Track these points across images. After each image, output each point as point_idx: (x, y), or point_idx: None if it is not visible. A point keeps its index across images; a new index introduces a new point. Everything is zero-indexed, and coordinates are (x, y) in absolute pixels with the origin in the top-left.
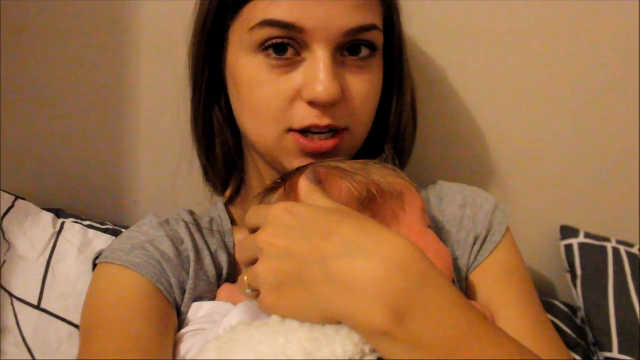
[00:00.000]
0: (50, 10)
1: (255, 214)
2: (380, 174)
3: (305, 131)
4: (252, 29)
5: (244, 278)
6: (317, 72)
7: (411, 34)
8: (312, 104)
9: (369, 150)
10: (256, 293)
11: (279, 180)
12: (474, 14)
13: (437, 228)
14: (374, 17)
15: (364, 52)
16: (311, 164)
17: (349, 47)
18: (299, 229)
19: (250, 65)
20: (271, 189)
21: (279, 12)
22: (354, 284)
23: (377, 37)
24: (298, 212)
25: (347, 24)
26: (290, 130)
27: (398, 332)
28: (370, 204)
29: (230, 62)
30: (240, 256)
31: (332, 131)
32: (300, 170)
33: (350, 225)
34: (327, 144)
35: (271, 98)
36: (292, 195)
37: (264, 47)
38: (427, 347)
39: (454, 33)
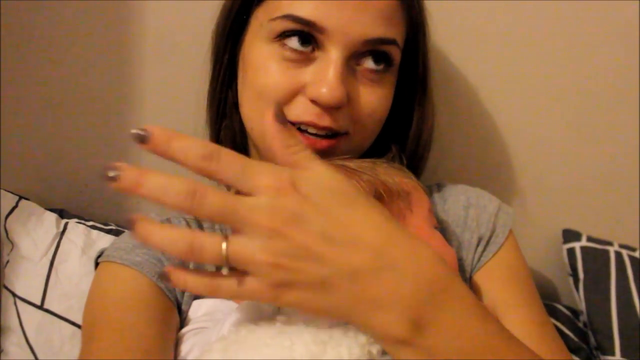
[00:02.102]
0: (51, 10)
1: (239, 166)
2: (388, 174)
3: (301, 129)
4: (274, 19)
5: (222, 246)
6: (326, 73)
7: None
8: (314, 102)
9: (376, 150)
10: (238, 273)
11: None
12: (476, 15)
13: (441, 228)
14: (396, 33)
15: (380, 65)
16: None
17: (366, 57)
18: (313, 220)
19: (262, 52)
20: None
21: (304, 10)
22: (381, 299)
23: (395, 53)
24: (307, 193)
25: (368, 32)
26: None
27: (416, 341)
28: None
29: (245, 47)
30: (201, 207)
31: (330, 135)
32: None
33: (375, 230)
34: (321, 143)
35: (274, 86)
36: None
37: (284, 35)
38: (444, 358)
39: (457, 34)
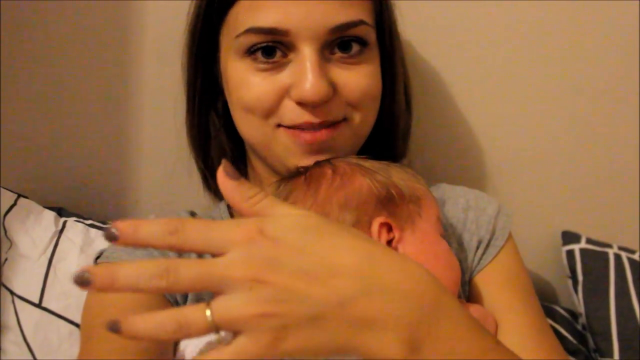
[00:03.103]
0: (51, 9)
1: (205, 230)
2: (401, 177)
3: (297, 128)
4: (238, 36)
5: (206, 313)
6: (304, 71)
7: (412, 36)
8: (301, 104)
9: (372, 149)
10: (229, 335)
11: (300, 170)
12: (474, 15)
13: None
14: (360, 13)
15: (355, 48)
16: (332, 158)
17: (338, 44)
18: (288, 260)
19: (237, 69)
20: (290, 177)
21: (261, 19)
22: (373, 322)
23: (366, 32)
24: (277, 236)
25: (331, 21)
26: (280, 125)
27: None
28: (388, 204)
29: (222, 65)
30: (177, 277)
31: (328, 124)
32: (319, 163)
33: (352, 253)
34: (321, 134)
35: (258, 98)
36: (312, 185)
37: (251, 51)
38: None
39: (455, 34)
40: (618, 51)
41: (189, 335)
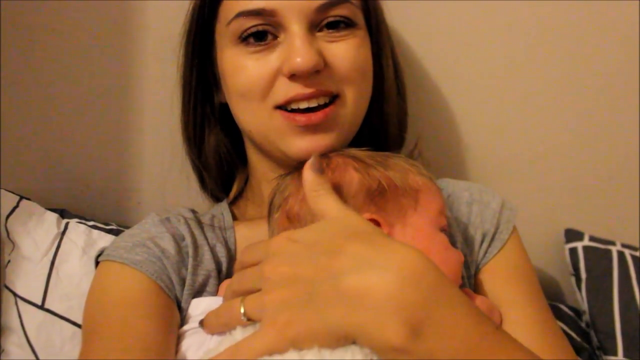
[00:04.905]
0: (52, 9)
1: (254, 248)
2: (399, 169)
3: (293, 109)
4: (229, 23)
5: (240, 308)
6: (293, 46)
7: (414, 34)
8: (293, 77)
9: (367, 137)
10: (253, 321)
11: (298, 165)
12: (476, 14)
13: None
14: None
15: (342, 26)
16: (331, 152)
17: (327, 25)
18: (304, 254)
19: (232, 55)
20: (288, 173)
21: (251, 2)
22: (367, 300)
23: (352, 11)
24: (299, 238)
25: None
26: (277, 107)
27: (413, 347)
28: (378, 198)
29: (219, 59)
30: (240, 286)
31: (323, 104)
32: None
33: (357, 241)
34: (317, 115)
35: (252, 80)
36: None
37: (243, 37)
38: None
39: (457, 33)
40: (618, 51)
41: (230, 326)
